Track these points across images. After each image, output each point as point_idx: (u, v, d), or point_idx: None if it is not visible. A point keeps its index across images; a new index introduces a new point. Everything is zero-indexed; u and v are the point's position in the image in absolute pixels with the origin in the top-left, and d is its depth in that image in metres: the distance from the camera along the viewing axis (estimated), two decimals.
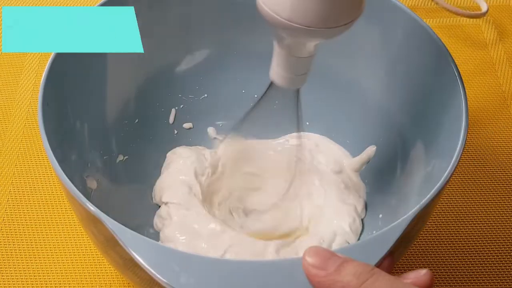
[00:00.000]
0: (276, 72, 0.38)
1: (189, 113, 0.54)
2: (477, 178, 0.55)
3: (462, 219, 0.53)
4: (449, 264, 0.50)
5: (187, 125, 0.54)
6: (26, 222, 0.51)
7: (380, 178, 0.50)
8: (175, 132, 0.54)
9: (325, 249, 0.31)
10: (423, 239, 0.51)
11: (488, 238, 0.51)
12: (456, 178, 0.55)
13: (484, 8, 0.65)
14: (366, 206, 0.50)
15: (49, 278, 0.48)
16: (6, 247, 0.50)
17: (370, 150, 0.50)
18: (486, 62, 0.64)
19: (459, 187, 0.54)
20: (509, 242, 0.51)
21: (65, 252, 0.50)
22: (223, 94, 0.55)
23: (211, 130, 0.55)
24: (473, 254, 0.50)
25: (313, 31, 0.33)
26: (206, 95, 0.55)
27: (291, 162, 0.49)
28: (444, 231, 0.52)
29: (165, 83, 0.53)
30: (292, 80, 0.38)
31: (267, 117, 0.47)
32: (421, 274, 0.31)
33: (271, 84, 0.39)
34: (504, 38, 0.66)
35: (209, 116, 0.55)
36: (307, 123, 0.54)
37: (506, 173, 0.55)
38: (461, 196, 0.54)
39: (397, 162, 0.47)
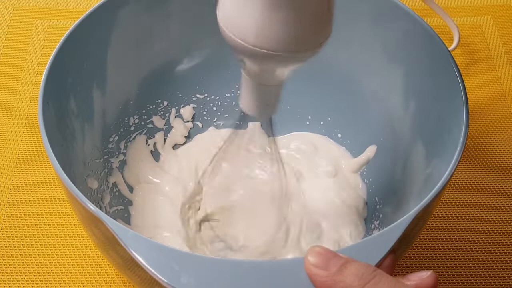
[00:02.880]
0: (245, 101, 0.37)
1: (189, 113, 0.54)
2: (477, 178, 0.55)
3: (462, 219, 0.53)
4: (450, 264, 0.50)
5: (187, 124, 0.54)
6: (26, 222, 0.51)
7: (381, 178, 0.50)
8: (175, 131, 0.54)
9: (327, 249, 0.31)
10: (424, 239, 0.51)
11: (489, 238, 0.51)
12: (456, 178, 0.55)
13: (455, 41, 0.61)
14: (366, 206, 0.50)
15: (49, 278, 0.48)
16: (6, 247, 0.50)
17: (370, 150, 0.50)
18: (486, 62, 0.64)
19: (459, 187, 0.54)
20: (510, 242, 0.51)
21: (65, 252, 0.50)
22: (223, 93, 0.55)
23: (211, 130, 0.55)
24: (474, 254, 0.50)
25: (280, 57, 0.32)
26: (206, 94, 0.55)
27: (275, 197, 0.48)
28: (445, 231, 0.52)
29: (165, 83, 0.53)
30: (262, 110, 0.37)
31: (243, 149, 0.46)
32: (424, 276, 0.31)
33: (243, 113, 0.38)
34: (505, 37, 0.66)
35: (209, 115, 0.55)
36: (307, 123, 0.54)
37: (506, 173, 0.55)
38: (461, 196, 0.54)
39: (397, 163, 0.47)
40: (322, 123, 0.54)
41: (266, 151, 0.50)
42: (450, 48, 0.59)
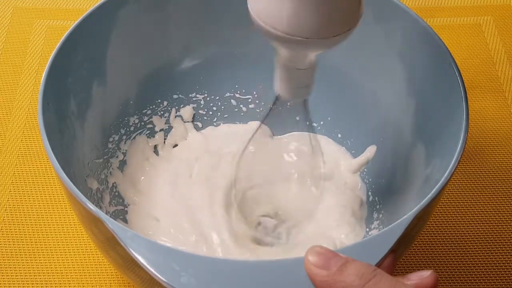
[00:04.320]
0: (280, 85, 0.38)
1: (189, 113, 0.54)
2: (477, 178, 0.55)
3: (462, 219, 0.52)
4: (450, 264, 0.50)
5: (187, 124, 0.54)
6: (26, 222, 0.51)
7: (381, 178, 0.50)
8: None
9: (327, 249, 0.31)
10: (424, 239, 0.51)
11: (489, 238, 0.51)
12: (456, 178, 0.55)
13: None
14: (366, 206, 0.50)
15: (49, 278, 0.48)
16: (6, 247, 0.50)
17: (370, 151, 0.50)
18: (486, 62, 0.64)
19: (459, 187, 0.54)
20: (510, 242, 0.51)
21: (65, 252, 0.50)
22: (223, 93, 0.55)
23: (208, 129, 0.55)
24: (474, 254, 0.50)
25: (311, 42, 0.32)
26: (206, 94, 0.55)
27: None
28: (445, 231, 0.52)
29: (165, 82, 0.53)
30: (296, 92, 0.38)
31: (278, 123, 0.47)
32: (424, 275, 0.31)
33: (278, 96, 0.39)
34: (504, 37, 0.66)
35: (209, 115, 0.55)
36: (307, 123, 0.54)
37: (506, 173, 0.55)
38: (461, 196, 0.54)
39: (397, 162, 0.47)
40: (322, 123, 0.54)
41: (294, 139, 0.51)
42: None
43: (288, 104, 0.40)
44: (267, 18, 0.32)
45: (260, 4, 0.32)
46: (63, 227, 0.51)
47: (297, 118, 0.53)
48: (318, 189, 0.47)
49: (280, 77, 0.37)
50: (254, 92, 0.55)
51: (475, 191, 0.54)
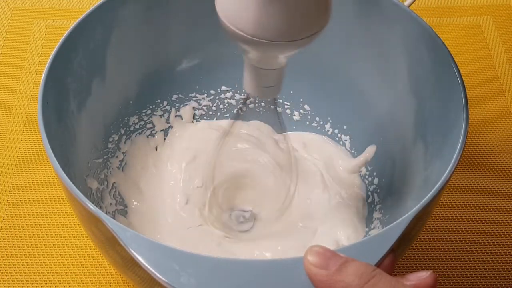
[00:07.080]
0: (248, 83, 0.38)
1: (189, 113, 0.54)
2: (477, 178, 0.55)
3: (462, 219, 0.53)
4: (450, 264, 0.50)
5: (187, 124, 0.54)
6: (26, 222, 0.51)
7: (381, 178, 0.50)
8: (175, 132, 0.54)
9: (327, 249, 0.31)
10: (424, 239, 0.51)
11: (489, 238, 0.51)
12: (456, 178, 0.55)
13: None
14: (366, 206, 0.50)
15: (49, 278, 0.48)
16: (6, 247, 0.50)
17: (369, 151, 0.50)
18: (486, 62, 0.64)
19: (459, 187, 0.54)
20: (510, 242, 0.51)
21: (65, 252, 0.50)
22: (223, 93, 0.55)
23: (203, 123, 0.55)
24: (474, 254, 0.50)
25: (278, 45, 0.33)
26: (206, 94, 0.55)
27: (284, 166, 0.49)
28: (445, 231, 0.52)
29: (165, 82, 0.53)
30: (263, 91, 0.38)
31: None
32: (424, 276, 0.31)
33: (247, 95, 0.40)
34: (504, 37, 0.66)
35: (209, 115, 0.55)
36: (307, 122, 0.54)
37: (506, 173, 0.55)
38: (461, 196, 0.54)
39: (397, 162, 0.47)
40: (322, 123, 0.54)
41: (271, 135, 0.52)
42: (406, 3, 0.57)
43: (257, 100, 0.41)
44: (235, 21, 0.32)
45: (228, 7, 0.33)
46: (63, 227, 0.51)
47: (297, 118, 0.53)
48: (292, 186, 0.48)
49: (248, 76, 0.38)
50: None
51: (474, 191, 0.54)
